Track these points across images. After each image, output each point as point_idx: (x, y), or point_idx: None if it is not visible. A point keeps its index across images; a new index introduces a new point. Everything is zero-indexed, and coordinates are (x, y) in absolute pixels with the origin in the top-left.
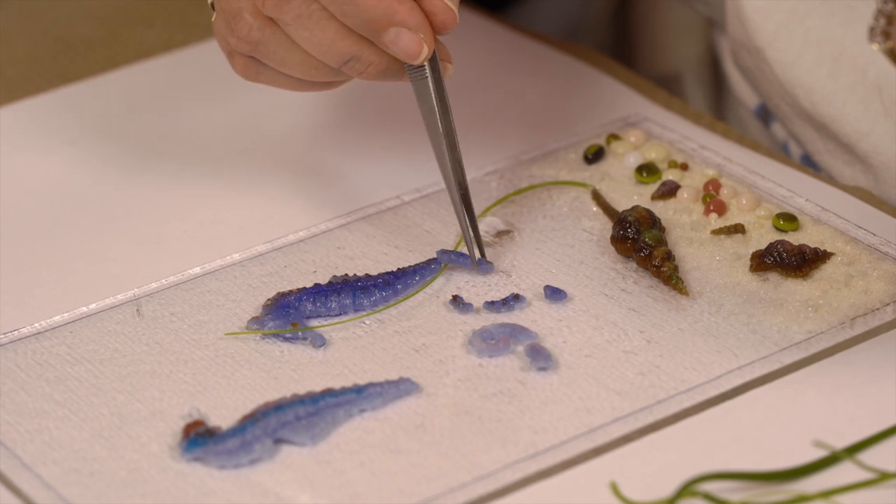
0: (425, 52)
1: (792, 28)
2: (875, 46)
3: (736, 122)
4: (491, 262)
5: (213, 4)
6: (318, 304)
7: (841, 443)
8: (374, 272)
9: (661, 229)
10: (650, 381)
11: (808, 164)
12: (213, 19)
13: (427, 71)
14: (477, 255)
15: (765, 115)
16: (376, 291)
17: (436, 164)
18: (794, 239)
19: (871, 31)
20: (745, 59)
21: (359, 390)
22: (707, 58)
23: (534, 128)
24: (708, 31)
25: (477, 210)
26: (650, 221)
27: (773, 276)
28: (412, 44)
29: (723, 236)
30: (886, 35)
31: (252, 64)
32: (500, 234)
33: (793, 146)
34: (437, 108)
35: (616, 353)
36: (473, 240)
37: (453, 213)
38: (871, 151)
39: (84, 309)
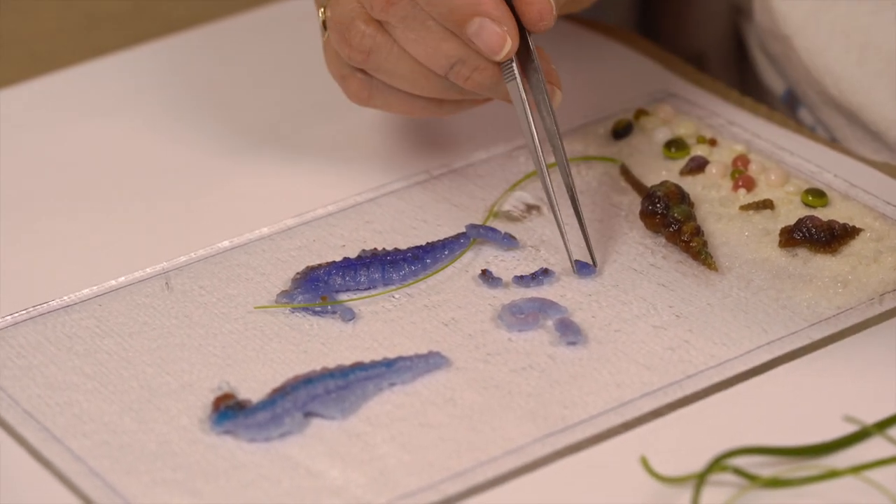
0: (508, 46)
1: (819, 16)
2: None
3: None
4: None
5: (324, 23)
6: (347, 278)
7: (871, 418)
8: (403, 246)
9: (690, 205)
10: (679, 355)
11: None
12: (323, 41)
13: (515, 72)
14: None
15: (792, 101)
16: (405, 265)
17: (463, 138)
18: (823, 215)
19: None
20: (773, 46)
21: (388, 364)
22: (731, 43)
23: (563, 103)
24: (733, 15)
25: (505, 185)
26: (679, 197)
27: (802, 252)
28: (494, 36)
29: (751, 212)
30: None
31: (365, 85)
32: (529, 208)
33: (820, 132)
34: (526, 112)
35: (645, 327)
36: (586, 244)
37: (482, 188)
38: None
39: (113, 282)
